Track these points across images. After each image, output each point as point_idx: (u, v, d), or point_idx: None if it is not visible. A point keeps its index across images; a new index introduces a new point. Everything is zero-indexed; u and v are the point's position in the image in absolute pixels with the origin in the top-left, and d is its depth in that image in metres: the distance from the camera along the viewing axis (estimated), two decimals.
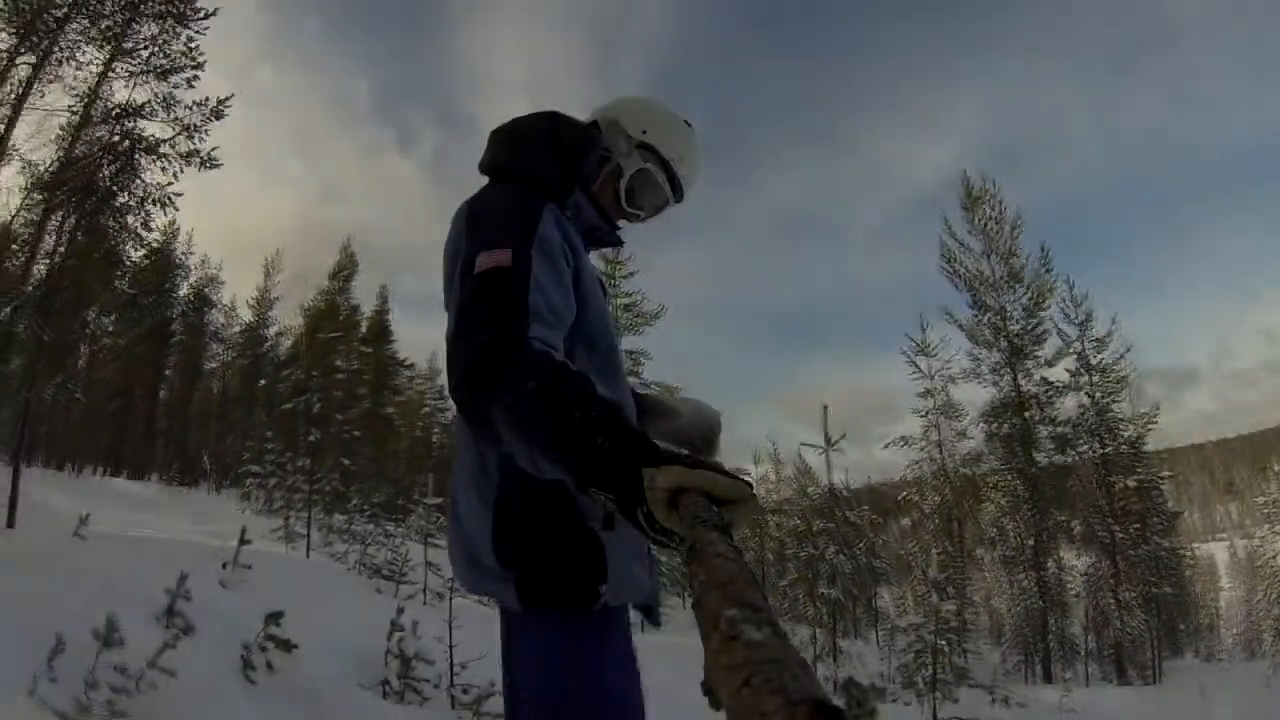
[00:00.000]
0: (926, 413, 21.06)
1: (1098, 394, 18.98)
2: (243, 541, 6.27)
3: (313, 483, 14.05)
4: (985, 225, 20.42)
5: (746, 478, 1.03)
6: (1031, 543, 18.57)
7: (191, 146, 11.99)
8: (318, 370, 27.00)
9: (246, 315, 32.01)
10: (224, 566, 6.25)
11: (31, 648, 3.20)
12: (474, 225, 1.18)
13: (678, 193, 1.42)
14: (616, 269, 20.29)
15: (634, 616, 1.34)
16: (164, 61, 11.83)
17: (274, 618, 4.40)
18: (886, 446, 21.06)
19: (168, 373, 31.04)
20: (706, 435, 1.46)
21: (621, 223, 1.44)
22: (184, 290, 30.22)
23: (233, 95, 12.16)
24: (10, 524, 8.38)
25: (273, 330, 31.77)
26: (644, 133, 1.38)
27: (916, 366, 21.27)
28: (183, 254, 29.78)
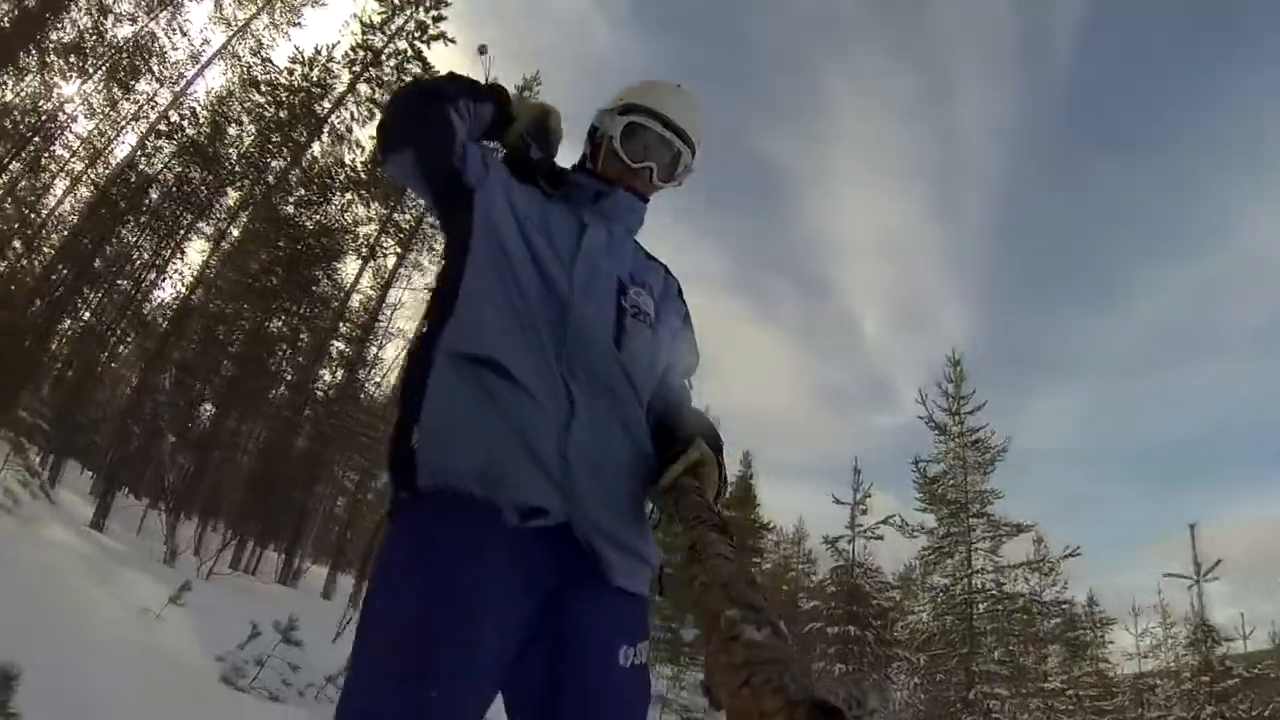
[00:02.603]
0: None
1: None
2: None
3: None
4: None
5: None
6: None
7: None
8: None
9: None
10: None
11: None
12: None
13: (669, 128, 1.39)
14: (961, 404, 18.10)
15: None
16: None
17: None
18: None
19: None
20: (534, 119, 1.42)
21: (669, 188, 1.47)
22: None
23: None
24: None
25: None
26: (621, 100, 1.42)
27: None
28: None
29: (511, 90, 1.47)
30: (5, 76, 14.66)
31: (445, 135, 1.26)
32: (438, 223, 1.44)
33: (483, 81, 1.40)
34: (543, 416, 1.10)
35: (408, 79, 16.13)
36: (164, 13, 16.21)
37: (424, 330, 1.21)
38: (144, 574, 7.20)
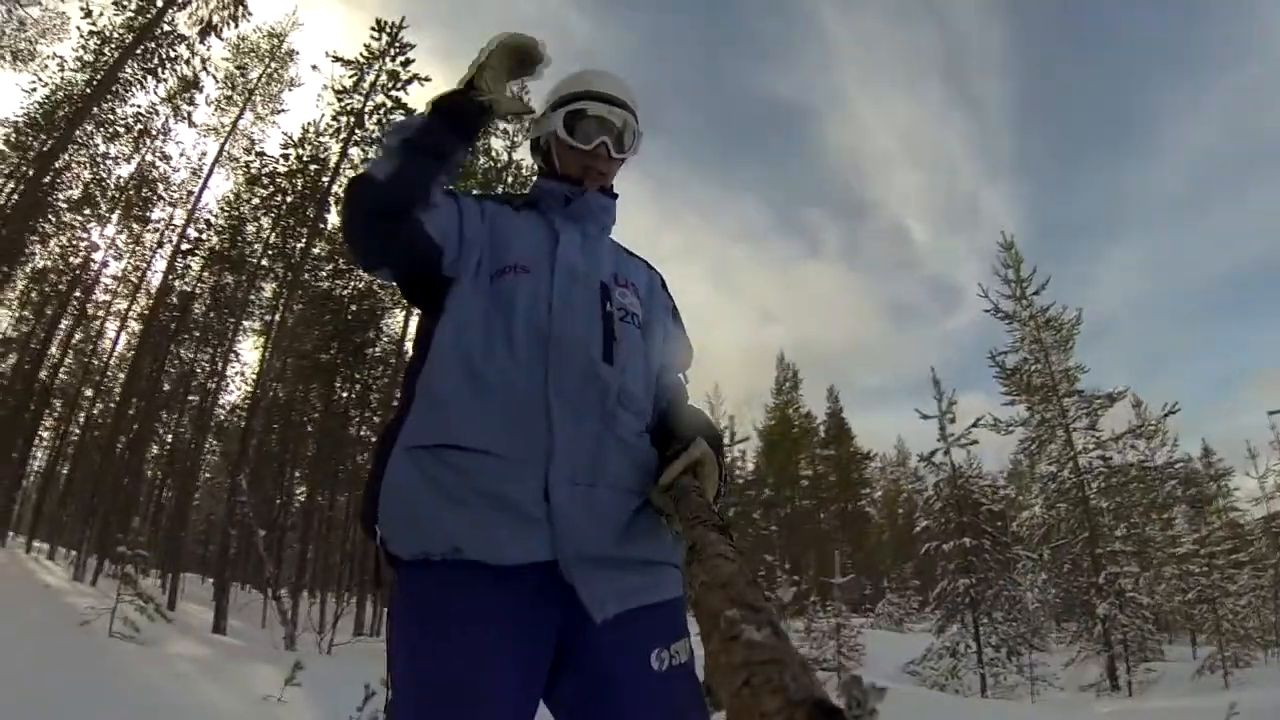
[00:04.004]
0: None
1: None
2: None
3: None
4: None
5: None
6: None
7: None
8: (777, 482, 27.55)
9: None
10: None
11: None
12: None
13: (604, 101, 1.37)
14: (1024, 287, 17.93)
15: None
16: None
17: None
18: None
19: None
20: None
21: (631, 159, 1.44)
22: None
23: None
24: None
25: (734, 455, 30.79)
26: (547, 103, 1.42)
27: None
28: None
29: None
30: (30, 245, 15.35)
31: (425, 248, 1.22)
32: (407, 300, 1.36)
33: (449, 100, 1.28)
34: (515, 471, 1.09)
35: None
36: (155, 142, 16.77)
37: (388, 422, 1.22)
38: (264, 663, 7.42)
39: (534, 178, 1.48)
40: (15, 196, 14.00)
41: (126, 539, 12.87)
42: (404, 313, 17.82)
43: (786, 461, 27.81)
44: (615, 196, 1.43)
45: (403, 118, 1.36)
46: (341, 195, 1.38)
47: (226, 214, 17.24)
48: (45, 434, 17.87)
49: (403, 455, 1.12)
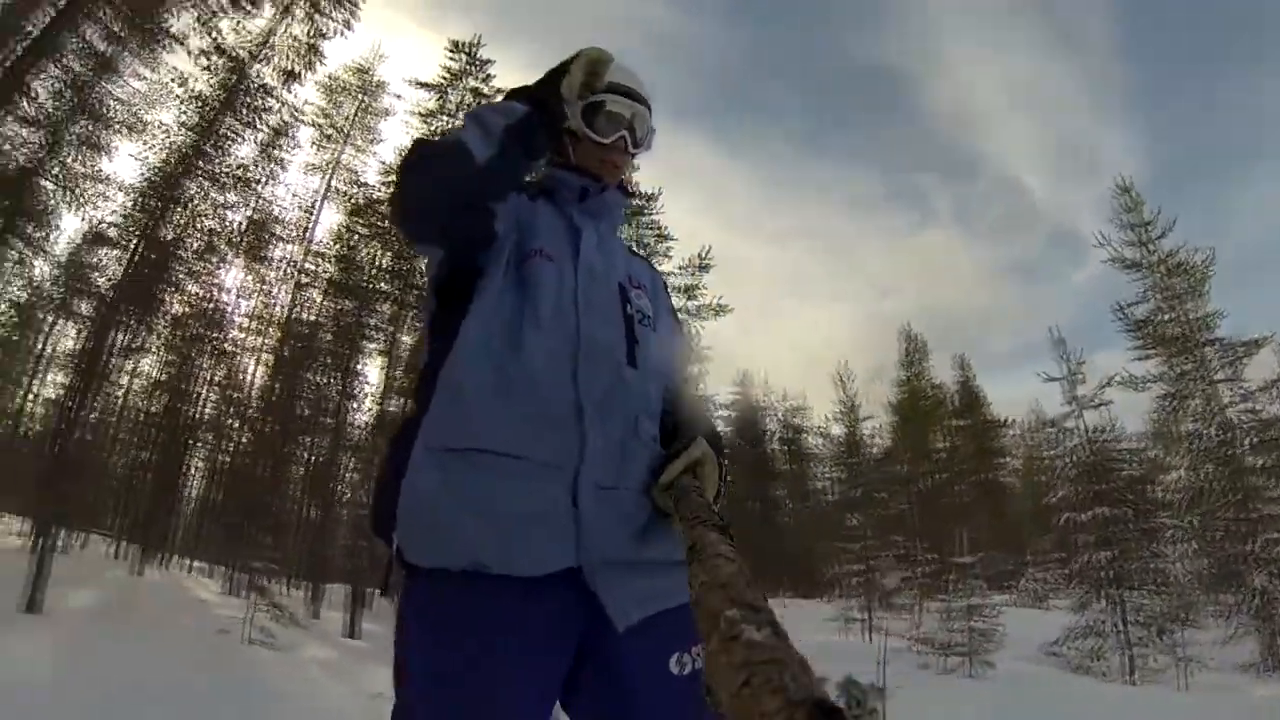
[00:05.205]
0: None
1: None
2: None
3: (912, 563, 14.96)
4: None
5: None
6: None
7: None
8: (912, 456, 27.01)
9: (837, 429, 30.55)
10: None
11: None
12: None
13: (622, 94, 1.34)
14: (1148, 231, 16.54)
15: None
16: None
17: None
18: None
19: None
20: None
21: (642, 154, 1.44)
22: (772, 425, 32.26)
23: (710, 247, 18.12)
24: None
25: (865, 433, 30.42)
26: (573, 89, 1.30)
27: None
28: (762, 395, 32.00)
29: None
30: (164, 295, 16.51)
31: (486, 239, 1.20)
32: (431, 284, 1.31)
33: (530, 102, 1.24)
34: (546, 477, 1.08)
35: None
36: (263, 187, 17.70)
37: (405, 417, 1.18)
38: (385, 665, 8.19)
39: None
40: (146, 254, 15.18)
41: (258, 554, 14.00)
42: None
43: (920, 435, 26.99)
44: (631, 195, 1.48)
45: (498, 101, 1.26)
46: (416, 154, 1.18)
47: (339, 245, 18.09)
48: (199, 463, 19.32)
49: (425, 456, 1.09)
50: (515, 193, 1.26)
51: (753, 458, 30.08)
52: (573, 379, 1.13)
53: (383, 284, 17.61)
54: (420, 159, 1.17)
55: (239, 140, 15.24)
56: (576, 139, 1.35)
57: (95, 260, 14.64)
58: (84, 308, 14.47)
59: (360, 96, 19.33)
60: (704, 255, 18.77)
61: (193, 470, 19.38)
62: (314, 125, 18.32)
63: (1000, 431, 29.83)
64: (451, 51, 17.91)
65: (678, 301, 19.46)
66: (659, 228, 18.75)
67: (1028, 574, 14.07)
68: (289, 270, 18.46)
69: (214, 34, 12.64)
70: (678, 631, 1.09)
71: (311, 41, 14.71)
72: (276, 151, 16.51)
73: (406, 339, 17.69)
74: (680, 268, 18.93)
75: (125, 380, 17.92)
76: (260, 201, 17.85)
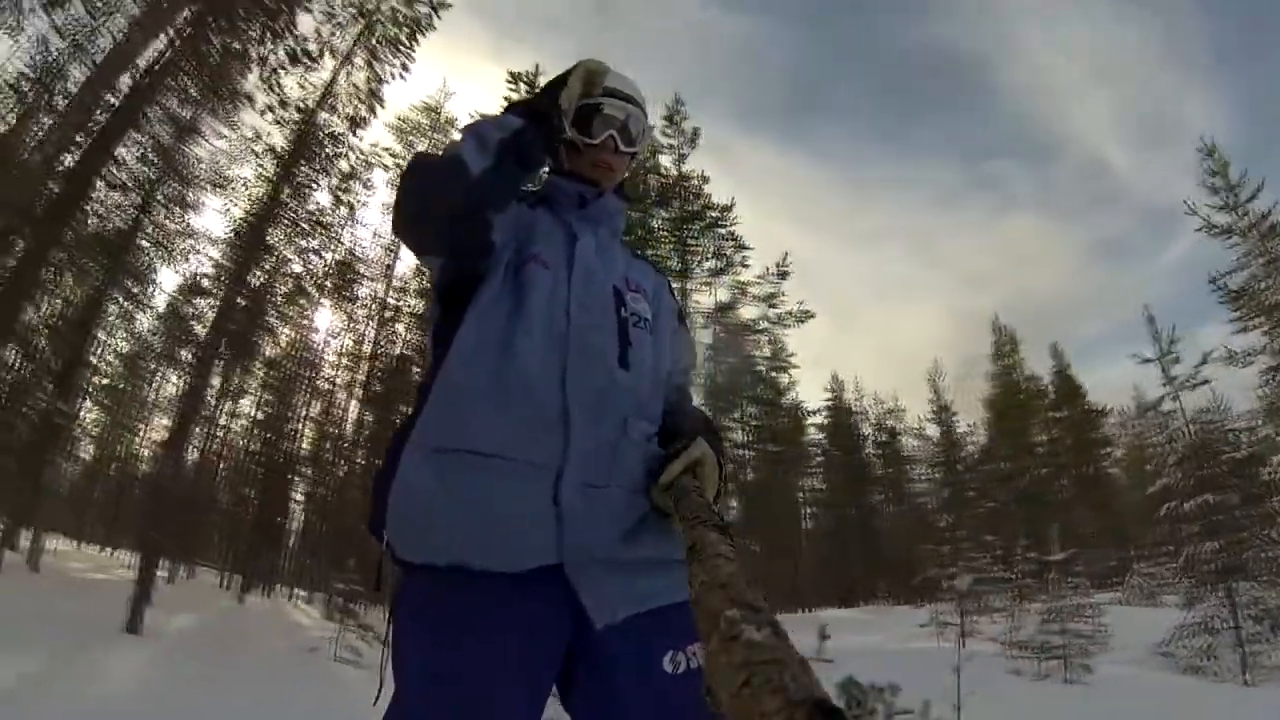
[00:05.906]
0: None
1: None
2: None
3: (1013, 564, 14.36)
4: None
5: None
6: None
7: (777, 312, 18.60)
8: (1013, 453, 26.46)
9: (932, 430, 29.85)
10: None
11: None
12: None
13: (610, 95, 1.36)
14: (1237, 194, 13.96)
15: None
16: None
17: None
18: None
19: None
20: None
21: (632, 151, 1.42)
22: (867, 430, 31.59)
23: (788, 254, 18.51)
24: None
25: (961, 431, 29.48)
26: (571, 100, 1.32)
27: None
28: (855, 400, 31.65)
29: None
30: (259, 338, 17.61)
31: (484, 248, 1.21)
32: (432, 284, 1.32)
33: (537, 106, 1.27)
34: (528, 476, 1.08)
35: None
36: (342, 230, 18.73)
37: (401, 423, 1.20)
38: None
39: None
40: (238, 301, 16.32)
41: (343, 577, 14.53)
42: None
43: (1018, 430, 25.80)
44: (630, 200, 1.45)
45: (493, 113, 1.30)
46: (415, 167, 1.22)
47: (419, 279, 18.93)
48: (299, 496, 20.42)
49: (419, 456, 1.10)
50: (515, 202, 1.29)
51: (848, 465, 29.09)
52: (560, 381, 1.15)
53: None
54: (418, 172, 1.21)
55: (315, 187, 16.24)
56: (573, 147, 1.38)
57: (192, 310, 15.92)
58: (184, 355, 15.69)
59: (431, 134, 20.19)
60: (782, 263, 18.61)
61: (294, 503, 20.44)
62: (388, 167, 19.29)
63: (1100, 420, 27.71)
64: (510, 82, 18.43)
65: (757, 311, 19.34)
66: (736, 238, 18.74)
67: (1136, 569, 12.70)
68: (374, 307, 19.42)
69: (276, 90, 13.40)
70: (671, 630, 1.11)
71: (371, 87, 15.45)
72: (347, 195, 17.44)
73: None
74: (759, 277, 18.88)
75: (225, 420, 19.26)
76: (341, 244, 18.92)
